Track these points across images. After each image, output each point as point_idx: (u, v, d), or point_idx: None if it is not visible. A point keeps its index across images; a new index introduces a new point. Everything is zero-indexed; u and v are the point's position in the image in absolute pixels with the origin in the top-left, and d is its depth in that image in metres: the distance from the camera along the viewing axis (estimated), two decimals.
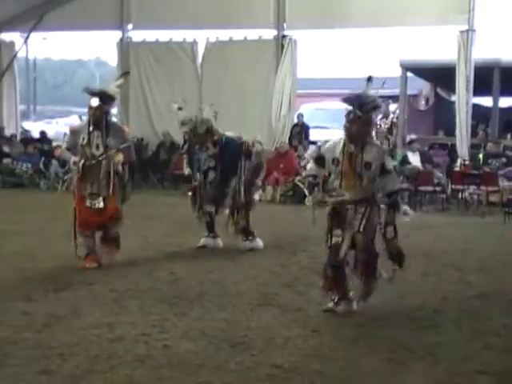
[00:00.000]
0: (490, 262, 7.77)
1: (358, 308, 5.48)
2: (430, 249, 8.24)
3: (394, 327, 5.10)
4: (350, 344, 4.76)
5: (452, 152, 14.61)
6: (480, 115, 15.87)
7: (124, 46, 16.61)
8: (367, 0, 14.44)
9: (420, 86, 21.74)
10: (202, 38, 16.00)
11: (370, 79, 5.48)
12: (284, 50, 15.20)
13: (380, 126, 14.58)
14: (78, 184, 6.99)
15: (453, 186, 13.10)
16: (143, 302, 5.63)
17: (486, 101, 17.53)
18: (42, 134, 17.95)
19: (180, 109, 8.00)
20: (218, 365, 4.27)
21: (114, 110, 13.60)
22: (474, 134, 14.83)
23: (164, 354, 4.43)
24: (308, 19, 14.76)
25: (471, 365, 4.36)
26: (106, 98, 6.95)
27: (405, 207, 10.48)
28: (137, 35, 16.64)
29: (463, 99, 13.76)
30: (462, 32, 13.73)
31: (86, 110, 7.19)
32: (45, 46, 46.97)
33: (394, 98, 15.27)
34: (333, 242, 5.32)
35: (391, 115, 16.05)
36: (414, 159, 13.44)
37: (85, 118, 7.76)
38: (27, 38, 17.61)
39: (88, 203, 6.88)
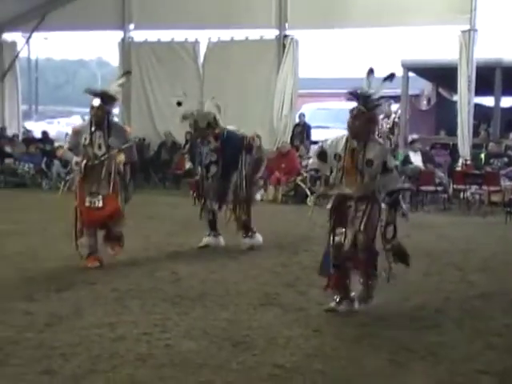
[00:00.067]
0: (491, 261, 7.76)
1: (359, 308, 5.48)
2: (431, 249, 8.24)
3: (395, 327, 5.09)
4: (352, 344, 4.76)
5: (454, 152, 14.60)
6: (482, 115, 15.86)
7: (126, 46, 16.62)
8: (369, 0, 14.45)
9: (422, 86, 21.73)
10: (203, 37, 16.00)
11: (371, 72, 5.45)
12: (286, 50, 15.19)
13: (382, 125, 14.59)
14: (80, 184, 7.00)
15: (454, 186, 13.07)
16: (145, 302, 5.63)
17: (488, 101, 17.53)
18: (44, 134, 17.93)
19: (179, 104, 7.97)
20: (219, 364, 4.27)
21: (116, 110, 13.58)
22: (475, 133, 14.82)
23: (166, 354, 4.43)
24: (309, 19, 14.78)
25: (473, 365, 4.36)
26: (107, 99, 6.97)
27: (404, 207, 10.46)
28: (138, 35, 16.64)
29: (465, 99, 13.75)
30: (463, 32, 13.73)
31: (87, 110, 7.20)
32: (46, 46, 47.20)
33: (396, 98, 15.24)
34: (335, 240, 5.33)
35: (393, 115, 16.07)
36: (416, 159, 13.41)
37: (87, 118, 7.76)
38: (29, 38, 17.65)
39: (87, 202, 6.88)
